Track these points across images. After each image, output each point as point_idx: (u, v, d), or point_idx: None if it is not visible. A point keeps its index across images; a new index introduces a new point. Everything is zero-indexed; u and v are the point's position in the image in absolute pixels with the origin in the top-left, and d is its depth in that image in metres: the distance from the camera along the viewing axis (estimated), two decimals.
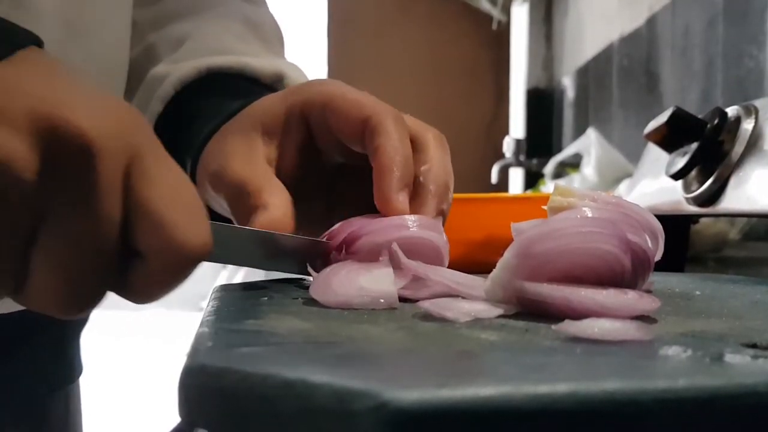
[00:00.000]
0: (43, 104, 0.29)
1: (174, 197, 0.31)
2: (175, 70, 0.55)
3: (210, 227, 0.32)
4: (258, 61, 0.55)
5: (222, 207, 0.46)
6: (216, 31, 0.58)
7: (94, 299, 0.32)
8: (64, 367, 0.64)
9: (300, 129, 0.46)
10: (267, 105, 0.47)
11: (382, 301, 0.35)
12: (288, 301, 0.37)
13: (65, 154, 0.29)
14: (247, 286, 0.42)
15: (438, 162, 0.44)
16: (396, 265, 0.38)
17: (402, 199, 0.41)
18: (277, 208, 0.41)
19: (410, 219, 0.41)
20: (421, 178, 0.43)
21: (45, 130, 0.29)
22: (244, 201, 0.42)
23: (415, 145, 0.44)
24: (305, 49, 3.29)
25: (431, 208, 0.43)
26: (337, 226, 0.42)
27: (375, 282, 0.36)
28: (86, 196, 0.29)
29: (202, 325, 0.31)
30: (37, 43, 0.32)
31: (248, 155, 0.44)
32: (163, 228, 0.31)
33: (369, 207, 0.43)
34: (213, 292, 0.40)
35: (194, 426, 0.25)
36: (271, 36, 0.62)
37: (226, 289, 0.41)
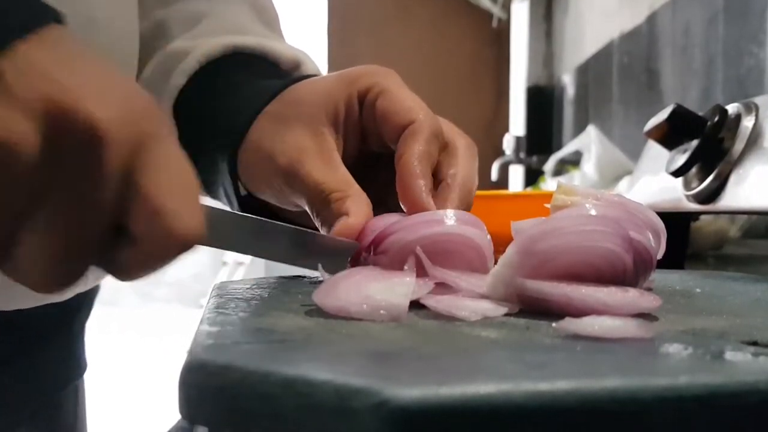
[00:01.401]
0: (57, 89, 0.29)
1: (173, 185, 0.32)
2: (198, 45, 0.54)
3: (203, 215, 0.32)
4: (279, 45, 0.55)
5: (281, 198, 0.46)
6: (231, 12, 0.58)
7: (77, 277, 0.32)
8: (73, 362, 0.64)
9: (359, 119, 0.46)
10: (324, 92, 0.47)
11: (382, 312, 0.32)
12: (288, 299, 0.37)
13: (72, 141, 0.29)
14: (248, 284, 0.42)
15: (464, 168, 0.45)
16: (420, 271, 0.36)
17: (430, 201, 0.42)
18: (355, 216, 0.41)
19: (446, 213, 0.38)
20: (448, 180, 0.44)
21: (54, 116, 0.29)
22: (327, 208, 0.42)
23: (447, 150, 0.45)
24: (305, 45, 3.29)
25: (453, 208, 0.43)
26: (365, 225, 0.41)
27: (386, 292, 0.33)
28: (88, 182, 0.30)
29: (202, 322, 0.31)
30: (60, 20, 0.32)
31: (325, 156, 0.45)
32: (158, 216, 0.31)
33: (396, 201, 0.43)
34: (213, 290, 0.40)
35: (194, 423, 0.25)
36: (275, 22, 0.62)
37: (227, 287, 0.41)
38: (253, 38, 0.55)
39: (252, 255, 0.40)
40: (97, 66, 0.31)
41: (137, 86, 0.33)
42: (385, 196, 0.46)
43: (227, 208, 0.37)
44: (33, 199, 0.30)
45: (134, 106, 0.31)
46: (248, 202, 0.50)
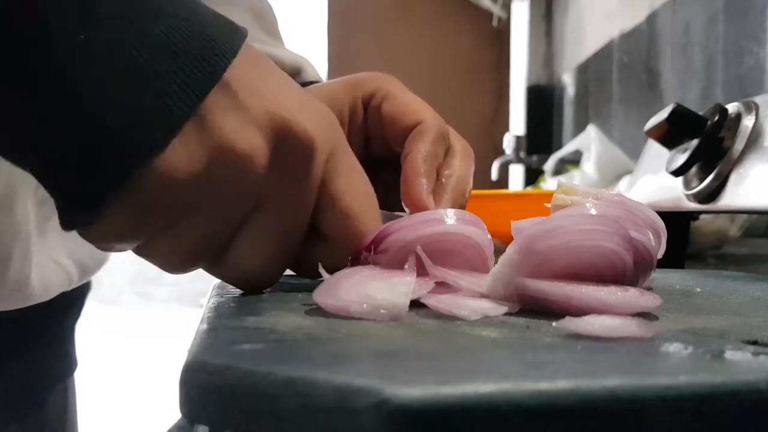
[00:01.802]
0: (280, 108, 0.33)
1: (358, 190, 0.36)
2: None
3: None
4: (280, 52, 0.56)
5: None
6: (233, 19, 0.59)
7: (279, 274, 0.36)
8: (62, 362, 0.64)
9: (363, 124, 0.48)
10: (328, 97, 0.48)
11: (383, 311, 0.32)
12: (289, 298, 0.37)
13: (292, 151, 0.33)
14: None
15: (460, 170, 0.46)
16: (420, 270, 0.36)
17: (431, 201, 0.43)
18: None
19: (447, 213, 0.38)
20: (443, 180, 0.45)
21: (280, 131, 0.33)
22: None
23: (446, 152, 0.46)
24: (305, 44, 3.29)
25: (445, 207, 0.43)
26: None
27: (386, 291, 0.33)
28: (299, 187, 0.34)
29: (202, 321, 0.31)
30: (246, 34, 0.35)
31: None
32: (349, 218, 0.36)
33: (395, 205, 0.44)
34: (213, 289, 0.40)
35: (195, 423, 0.25)
36: (275, 28, 0.62)
37: (227, 286, 0.41)
38: (255, 45, 0.55)
39: None
40: (290, 81, 0.36)
41: (319, 101, 0.37)
42: (388, 201, 0.46)
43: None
44: (256, 204, 0.33)
45: (326, 118, 0.36)
46: None
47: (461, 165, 0.46)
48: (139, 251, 0.34)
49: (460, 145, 0.47)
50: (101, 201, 0.31)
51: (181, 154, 0.31)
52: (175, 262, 0.34)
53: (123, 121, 0.30)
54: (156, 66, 0.30)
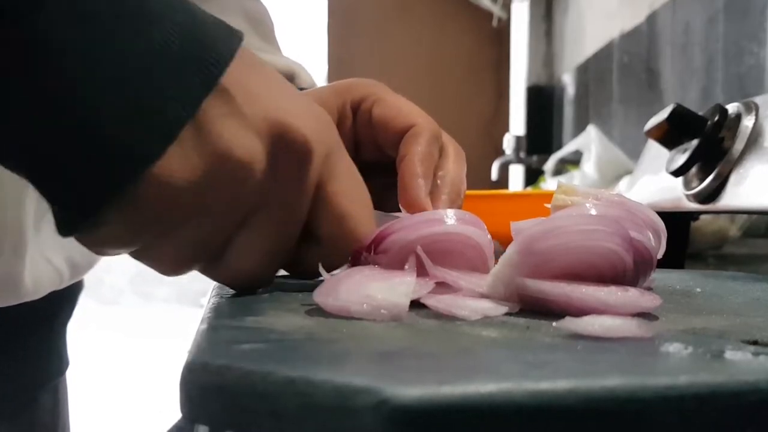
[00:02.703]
0: (278, 113, 0.33)
1: (353, 192, 0.36)
2: None
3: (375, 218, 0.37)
4: (274, 59, 0.56)
5: None
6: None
7: (273, 274, 0.37)
8: (54, 361, 0.65)
9: (352, 128, 0.48)
10: (316, 100, 0.48)
11: (383, 312, 0.32)
12: (288, 299, 0.37)
13: (290, 155, 0.33)
14: None
15: (454, 170, 0.46)
16: (420, 270, 0.36)
17: (428, 202, 0.43)
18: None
19: (447, 213, 0.38)
20: (438, 182, 0.45)
21: (278, 136, 0.33)
22: None
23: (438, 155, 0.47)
24: (305, 44, 3.29)
25: (443, 207, 0.44)
26: None
27: (386, 291, 0.33)
28: (295, 190, 0.34)
29: (203, 321, 0.31)
30: (242, 38, 0.34)
31: None
32: (344, 220, 0.36)
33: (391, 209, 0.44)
34: (213, 289, 0.40)
35: (195, 422, 0.25)
36: (270, 33, 0.62)
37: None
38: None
39: None
40: (286, 84, 0.35)
41: (314, 103, 0.37)
42: (379, 204, 0.46)
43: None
44: (253, 207, 0.33)
45: (323, 121, 0.36)
46: None
47: (455, 166, 0.46)
48: (135, 255, 0.34)
49: (452, 146, 0.47)
50: (97, 210, 0.30)
51: (178, 162, 0.30)
52: (172, 265, 0.34)
53: (118, 129, 0.29)
54: (152, 72, 0.30)
